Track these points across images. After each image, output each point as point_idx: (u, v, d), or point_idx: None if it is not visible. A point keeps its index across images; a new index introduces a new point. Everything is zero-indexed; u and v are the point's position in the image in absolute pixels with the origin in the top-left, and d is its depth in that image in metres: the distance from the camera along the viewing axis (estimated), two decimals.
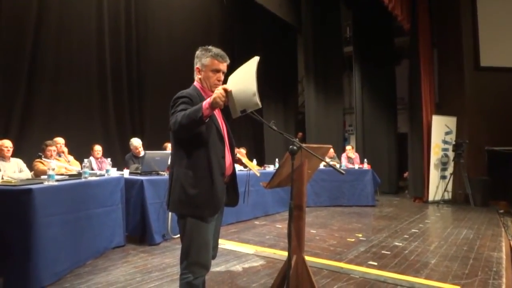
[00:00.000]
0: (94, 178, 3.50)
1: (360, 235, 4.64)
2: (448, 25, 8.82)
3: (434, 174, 8.07)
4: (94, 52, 6.27)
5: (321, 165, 4.95)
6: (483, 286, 2.87)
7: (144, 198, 3.95)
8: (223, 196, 1.86)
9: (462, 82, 8.45)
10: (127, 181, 4.02)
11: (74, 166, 4.79)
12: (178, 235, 1.90)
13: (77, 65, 6.00)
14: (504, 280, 3.03)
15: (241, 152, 3.71)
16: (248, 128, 9.85)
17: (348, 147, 8.18)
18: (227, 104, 1.69)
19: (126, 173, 4.37)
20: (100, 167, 5.25)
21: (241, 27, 9.71)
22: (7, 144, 4.05)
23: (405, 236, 4.64)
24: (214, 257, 1.94)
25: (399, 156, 9.81)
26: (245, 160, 2.34)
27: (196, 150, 1.77)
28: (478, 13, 8.53)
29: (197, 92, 1.86)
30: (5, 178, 3.28)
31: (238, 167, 2.38)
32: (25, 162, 4.25)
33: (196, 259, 1.76)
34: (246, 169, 2.53)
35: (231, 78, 1.74)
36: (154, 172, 4.47)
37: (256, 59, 1.67)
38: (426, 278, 3.04)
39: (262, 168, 6.88)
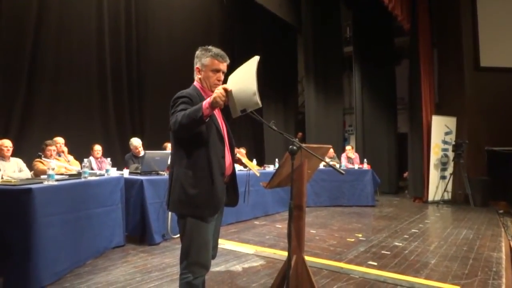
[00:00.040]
0: (94, 178, 3.49)
1: (360, 235, 4.64)
2: (448, 25, 8.82)
3: (434, 174, 8.07)
4: (94, 52, 6.28)
5: (321, 165, 4.96)
6: (483, 286, 2.87)
7: (144, 198, 3.95)
8: (223, 196, 1.86)
9: (462, 82, 8.44)
10: (127, 181, 4.02)
11: (74, 166, 4.79)
12: (178, 235, 1.90)
13: (77, 65, 6.00)
14: (504, 280, 3.03)
15: (241, 152, 3.72)
16: (248, 128, 9.85)
17: (348, 147, 8.18)
18: (227, 104, 1.69)
19: (126, 173, 4.37)
20: (100, 167, 5.25)
21: (241, 27, 9.71)
22: (7, 143, 4.05)
23: (405, 236, 4.64)
24: (214, 257, 1.94)
25: (399, 156, 9.81)
26: (245, 160, 2.35)
27: (196, 150, 1.77)
28: (478, 13, 8.53)
29: (197, 92, 1.86)
30: (5, 177, 3.28)
31: (238, 167, 2.38)
32: (25, 161, 4.26)
33: (196, 259, 1.76)
34: (246, 169, 2.53)
35: (231, 77, 1.74)
36: (154, 172, 4.47)
37: (256, 59, 1.67)
38: (426, 278, 3.04)
39: (262, 168, 6.88)
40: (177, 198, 1.77)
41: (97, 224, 3.40)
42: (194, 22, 8.20)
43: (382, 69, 9.76)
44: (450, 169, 8.16)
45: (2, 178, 3.16)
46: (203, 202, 1.75)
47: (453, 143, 8.10)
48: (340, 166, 7.60)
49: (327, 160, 2.55)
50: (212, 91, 1.69)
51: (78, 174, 3.52)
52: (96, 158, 5.44)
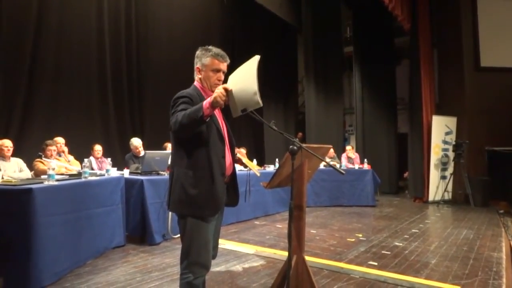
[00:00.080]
0: (94, 178, 3.50)
1: (360, 235, 4.64)
2: (448, 25, 8.82)
3: (434, 174, 8.07)
4: (94, 52, 6.27)
5: (321, 165, 4.95)
6: (483, 286, 2.87)
7: (144, 198, 3.95)
8: (223, 196, 1.86)
9: (462, 82, 8.45)
10: (127, 181, 4.02)
11: (74, 166, 4.79)
12: (178, 235, 1.90)
13: (77, 65, 6.00)
14: (504, 280, 3.02)
15: (241, 152, 3.71)
16: (248, 128, 9.85)
17: (348, 147, 8.18)
18: (228, 104, 1.69)
19: (126, 173, 4.37)
20: (100, 167, 5.25)
21: (241, 27, 9.71)
22: (7, 143, 4.05)
23: (405, 236, 4.64)
24: (214, 257, 1.94)
25: (399, 156, 9.80)
26: (245, 160, 2.34)
27: (196, 150, 1.77)
28: (478, 13, 8.53)
29: (197, 92, 1.86)
30: (5, 177, 3.28)
31: (238, 167, 2.38)
32: (25, 161, 4.26)
33: (196, 259, 1.76)
34: (246, 169, 2.53)
35: (231, 77, 1.73)
36: (154, 172, 4.47)
37: (256, 58, 1.66)
38: (426, 278, 3.04)
39: (262, 168, 6.88)
40: (177, 198, 1.77)
41: (97, 224, 3.40)
42: (194, 22, 8.20)
43: (382, 69, 9.76)
44: (450, 169, 8.16)
45: (2, 178, 3.16)
46: (203, 202, 1.75)
47: (454, 143, 8.10)
48: (340, 166, 7.60)
49: (327, 160, 2.55)
50: (213, 91, 1.69)
51: (79, 174, 3.52)
52: (97, 158, 5.44)
